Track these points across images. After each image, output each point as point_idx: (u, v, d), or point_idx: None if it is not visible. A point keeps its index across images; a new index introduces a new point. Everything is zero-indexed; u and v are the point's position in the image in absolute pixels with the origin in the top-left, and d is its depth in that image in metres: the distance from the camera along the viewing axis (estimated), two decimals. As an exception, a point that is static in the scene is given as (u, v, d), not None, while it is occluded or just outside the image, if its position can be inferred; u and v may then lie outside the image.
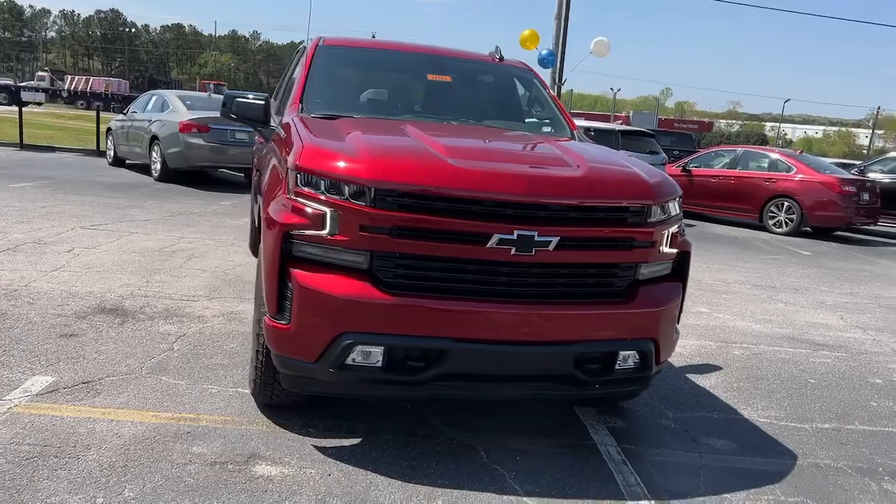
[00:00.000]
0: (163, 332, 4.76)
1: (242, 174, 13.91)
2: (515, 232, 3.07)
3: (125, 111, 15.14)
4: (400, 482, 3.15)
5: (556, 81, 17.37)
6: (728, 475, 3.51)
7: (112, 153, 15.21)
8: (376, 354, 3.11)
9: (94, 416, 3.48)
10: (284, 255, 3.17)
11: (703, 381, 4.79)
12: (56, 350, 4.26)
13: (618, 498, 3.19)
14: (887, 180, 14.88)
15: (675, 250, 3.52)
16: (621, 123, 22.24)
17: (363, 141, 3.36)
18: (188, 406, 3.68)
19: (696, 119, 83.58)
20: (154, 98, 14.00)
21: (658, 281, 3.50)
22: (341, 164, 3.13)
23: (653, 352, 3.42)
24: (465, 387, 3.27)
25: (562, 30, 17.97)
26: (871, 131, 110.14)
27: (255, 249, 6.40)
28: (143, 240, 7.56)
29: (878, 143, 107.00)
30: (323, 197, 3.09)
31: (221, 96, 13.96)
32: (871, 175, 15.06)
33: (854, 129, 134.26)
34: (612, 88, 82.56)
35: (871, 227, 15.00)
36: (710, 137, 66.06)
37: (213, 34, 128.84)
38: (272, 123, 4.40)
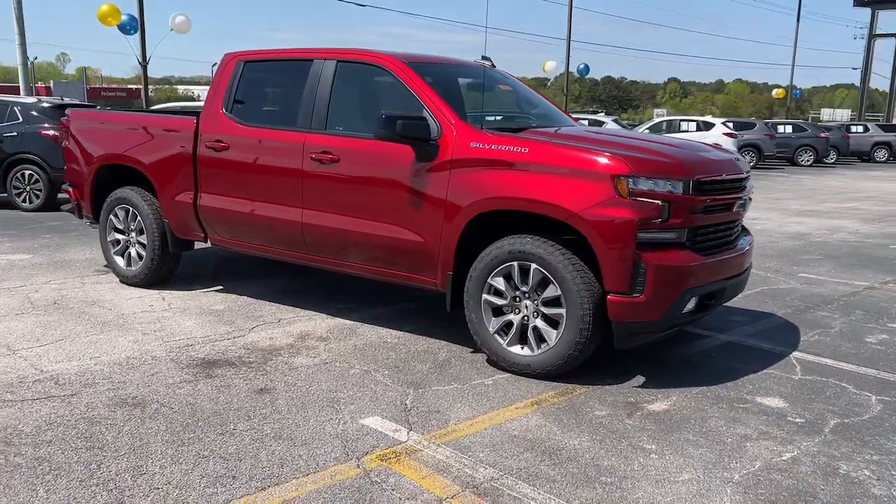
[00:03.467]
0: (313, 364, 4.72)
1: None
2: (742, 199, 4.63)
3: None
4: (724, 384, 4.49)
5: (142, 61, 16.61)
6: (781, 330, 5.66)
7: None
8: (692, 301, 4.35)
9: (496, 422, 3.86)
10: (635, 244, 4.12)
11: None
12: (302, 402, 4.07)
13: (784, 356, 5.07)
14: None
15: None
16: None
17: (657, 148, 4.44)
18: (514, 397, 4.21)
19: (124, 87, 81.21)
20: None
21: None
22: (664, 169, 4.21)
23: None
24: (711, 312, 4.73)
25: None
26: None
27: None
28: None
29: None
30: (658, 193, 4.14)
31: None
32: None
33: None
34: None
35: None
36: (139, 105, 64.25)
37: None
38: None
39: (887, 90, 47.99)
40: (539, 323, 4.42)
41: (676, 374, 4.62)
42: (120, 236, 6.59)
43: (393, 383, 4.37)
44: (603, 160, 4.17)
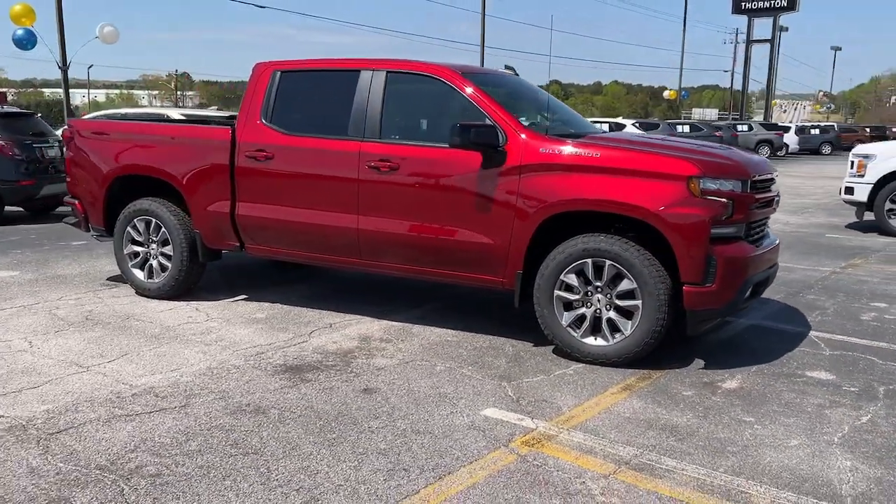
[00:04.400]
0: (396, 364, 4.91)
1: None
2: (777, 196, 5.19)
3: None
4: (772, 362, 5.01)
5: (62, 65, 15.91)
6: (787, 312, 6.28)
7: None
8: (748, 288, 4.86)
9: (603, 407, 4.22)
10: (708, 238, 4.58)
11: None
12: (414, 399, 4.25)
13: (804, 335, 5.67)
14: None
15: None
16: None
17: (714, 151, 4.90)
18: (603, 384, 4.57)
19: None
20: None
21: None
22: (727, 170, 4.69)
23: None
24: None
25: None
26: (147, 92, 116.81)
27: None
28: (20, 315, 5.88)
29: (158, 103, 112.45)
30: (724, 191, 4.62)
31: None
32: None
33: (134, 91, 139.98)
34: None
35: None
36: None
37: None
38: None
39: (752, 91, 51.55)
40: (613, 315, 4.79)
41: (728, 356, 5.10)
42: (139, 248, 6.50)
43: (483, 377, 4.62)
44: (676, 163, 4.59)
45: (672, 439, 3.78)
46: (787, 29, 55.29)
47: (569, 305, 4.92)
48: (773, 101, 48.55)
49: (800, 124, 44.79)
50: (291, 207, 5.70)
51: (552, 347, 5.14)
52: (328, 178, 5.54)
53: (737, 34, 77.08)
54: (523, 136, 4.95)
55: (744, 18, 48.11)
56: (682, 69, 47.31)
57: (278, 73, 5.89)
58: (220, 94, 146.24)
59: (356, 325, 5.74)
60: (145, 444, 3.64)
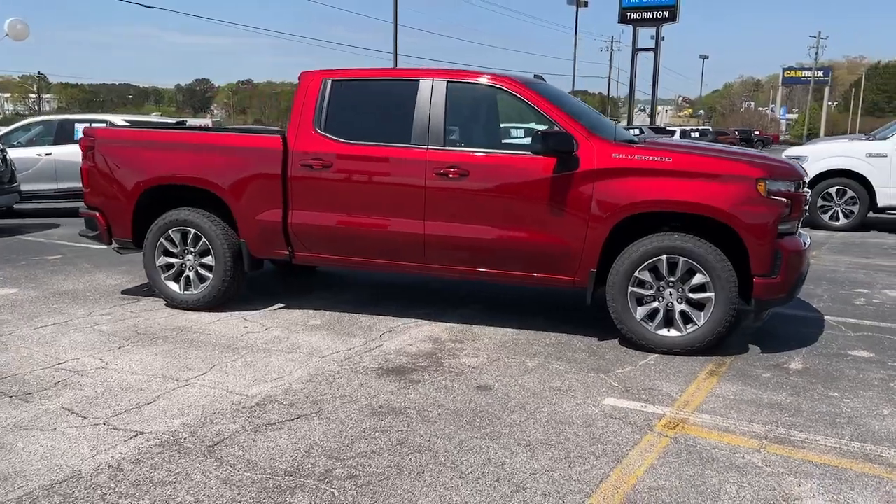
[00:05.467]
0: (486, 363, 5.14)
1: None
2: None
3: None
4: (815, 344, 5.58)
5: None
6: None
7: None
8: (802, 279, 5.41)
9: (706, 391, 4.61)
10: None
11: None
12: (532, 393, 4.48)
13: (820, 319, 6.31)
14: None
15: None
16: None
17: (765, 155, 5.39)
18: (690, 371, 4.95)
19: None
20: None
21: None
22: (785, 172, 5.21)
23: None
24: None
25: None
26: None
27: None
28: (65, 332, 5.66)
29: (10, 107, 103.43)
30: (783, 192, 5.14)
31: None
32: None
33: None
34: None
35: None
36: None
37: None
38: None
39: (621, 96, 54.55)
40: (685, 307, 5.20)
41: (773, 341, 5.62)
42: (173, 260, 6.36)
43: (578, 371, 4.92)
44: (746, 166, 5.06)
45: (786, 415, 4.20)
46: (664, 38, 58.67)
47: (640, 300, 5.28)
48: (656, 107, 51.26)
49: (682, 128, 47.60)
50: (352, 215, 5.78)
51: (618, 340, 5.48)
52: (393, 184, 5.66)
53: (612, 42, 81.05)
54: (592, 142, 5.27)
55: (622, 28, 50.70)
56: (574, 77, 49.27)
57: (329, 83, 5.94)
58: (83, 97, 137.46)
59: (416, 328, 5.89)
60: (314, 450, 3.69)
